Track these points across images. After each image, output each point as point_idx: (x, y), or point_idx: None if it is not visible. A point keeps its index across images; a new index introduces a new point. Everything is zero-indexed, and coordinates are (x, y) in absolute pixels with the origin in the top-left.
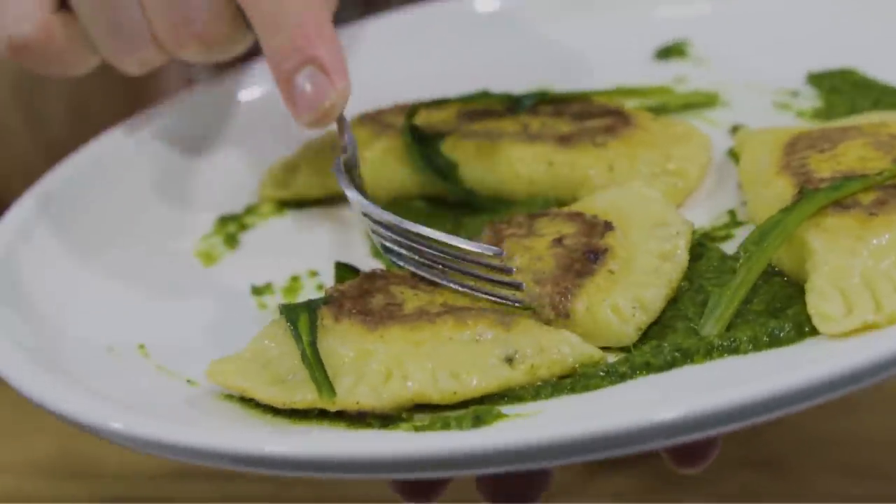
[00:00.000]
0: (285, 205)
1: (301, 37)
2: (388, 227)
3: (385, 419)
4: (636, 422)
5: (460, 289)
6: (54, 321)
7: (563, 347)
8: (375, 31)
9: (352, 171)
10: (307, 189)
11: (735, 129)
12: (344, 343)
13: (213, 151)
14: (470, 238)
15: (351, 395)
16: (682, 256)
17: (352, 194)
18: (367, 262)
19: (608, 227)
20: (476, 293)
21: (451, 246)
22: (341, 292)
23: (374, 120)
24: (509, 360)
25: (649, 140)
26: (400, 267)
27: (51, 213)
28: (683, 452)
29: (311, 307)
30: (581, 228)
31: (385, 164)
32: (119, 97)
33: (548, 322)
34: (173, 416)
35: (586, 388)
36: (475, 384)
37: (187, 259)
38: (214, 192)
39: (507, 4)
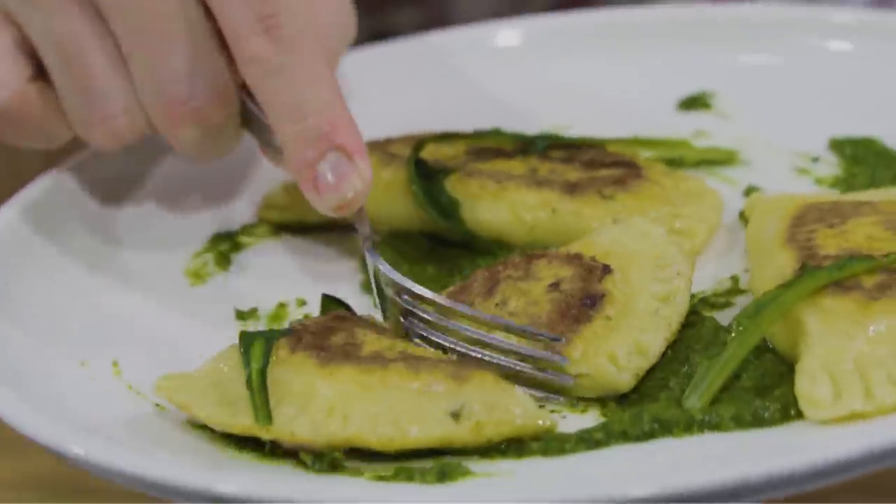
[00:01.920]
0: (282, 228)
1: (328, 123)
2: (426, 307)
3: (319, 457)
4: (607, 495)
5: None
6: (31, 329)
7: (514, 408)
8: (389, 56)
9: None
10: (305, 214)
11: (749, 192)
12: (294, 375)
13: (213, 170)
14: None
15: (289, 425)
16: (683, 299)
17: (394, 275)
18: (357, 296)
19: (606, 270)
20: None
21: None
22: (304, 326)
23: (381, 149)
24: (455, 415)
25: (659, 195)
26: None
27: (42, 221)
28: None
29: (268, 336)
30: (578, 272)
31: (388, 195)
32: None
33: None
34: (132, 441)
35: (559, 452)
36: (415, 434)
37: (176, 277)
38: (211, 211)
39: (529, 40)
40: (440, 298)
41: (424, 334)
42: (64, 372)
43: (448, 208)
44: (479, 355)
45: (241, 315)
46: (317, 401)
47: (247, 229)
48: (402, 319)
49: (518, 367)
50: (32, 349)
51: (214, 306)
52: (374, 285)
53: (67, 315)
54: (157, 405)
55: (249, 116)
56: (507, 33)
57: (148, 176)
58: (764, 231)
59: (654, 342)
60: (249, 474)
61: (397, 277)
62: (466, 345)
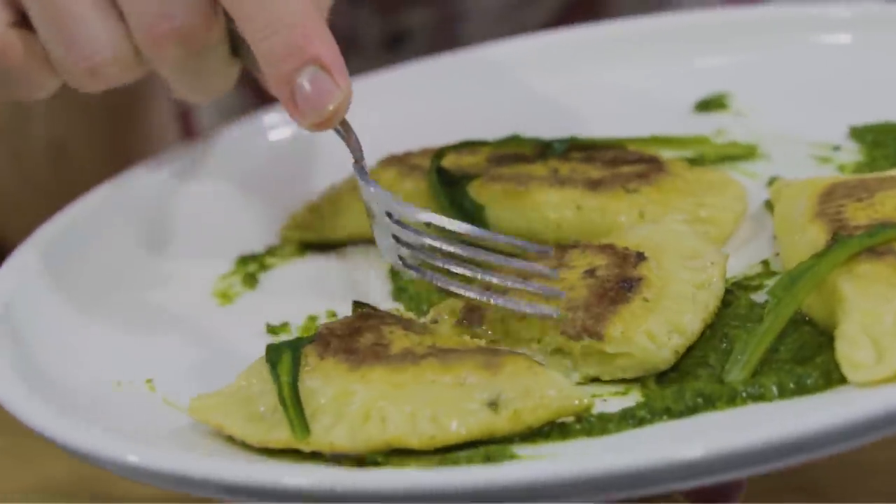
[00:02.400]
0: (307, 247)
1: (301, 36)
2: (416, 229)
3: (361, 463)
4: (660, 459)
5: (489, 299)
6: (66, 354)
7: (549, 391)
8: (406, 76)
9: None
10: (330, 231)
11: (772, 182)
12: (325, 382)
13: (236, 193)
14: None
15: (326, 435)
16: (718, 285)
17: (377, 191)
18: (388, 304)
19: (640, 257)
20: (506, 303)
21: (490, 242)
22: (330, 330)
23: (401, 161)
24: (493, 405)
25: (683, 187)
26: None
27: (69, 248)
28: (704, 497)
29: (295, 346)
30: (613, 260)
31: None
32: (100, 135)
33: (578, 339)
34: (178, 445)
35: (602, 432)
36: (454, 429)
37: (203, 298)
38: (235, 234)
39: (546, 50)
40: (432, 217)
41: (416, 261)
42: (101, 392)
43: (472, 214)
44: (470, 273)
45: (272, 329)
46: (352, 406)
47: (272, 250)
48: (394, 243)
49: (510, 284)
50: (70, 371)
51: (245, 323)
52: (367, 209)
53: (101, 341)
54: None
55: (239, 43)
56: (522, 47)
57: (170, 201)
58: (792, 211)
59: (692, 322)
60: (316, 469)
61: (388, 197)
62: (456, 264)
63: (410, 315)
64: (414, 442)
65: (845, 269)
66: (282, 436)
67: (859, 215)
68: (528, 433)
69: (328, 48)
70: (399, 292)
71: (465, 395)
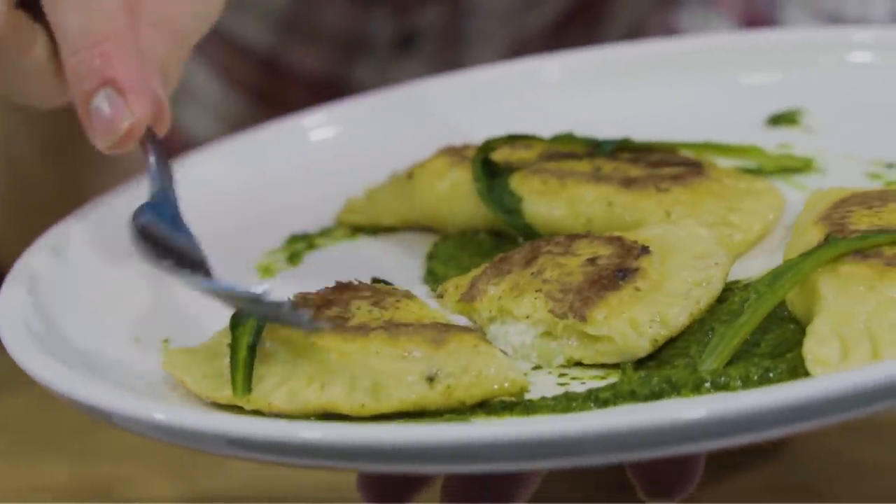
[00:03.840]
0: (360, 231)
1: (99, 56)
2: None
3: None
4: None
5: None
6: (93, 305)
7: (487, 369)
8: (466, 84)
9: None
10: (383, 215)
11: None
12: (281, 346)
13: (296, 176)
14: None
15: (267, 396)
16: (716, 285)
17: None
18: (418, 287)
19: (644, 251)
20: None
21: None
22: (303, 299)
23: (455, 152)
24: (430, 379)
25: (718, 191)
26: None
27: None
28: (655, 480)
29: None
30: (617, 251)
31: (454, 194)
32: (41, 134)
33: (562, 318)
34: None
35: (566, 410)
36: (385, 399)
37: (246, 271)
38: (293, 215)
39: (618, 64)
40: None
41: None
42: (117, 344)
43: (509, 204)
44: None
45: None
46: (298, 370)
47: (325, 232)
48: None
49: None
50: (91, 321)
51: (276, 297)
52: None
53: (135, 299)
54: None
55: None
56: (593, 58)
57: (230, 178)
58: (807, 216)
59: (678, 315)
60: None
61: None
62: None
63: (408, 291)
64: (345, 408)
65: (829, 268)
66: (228, 393)
67: (862, 221)
68: (494, 407)
69: (126, 70)
70: (429, 275)
71: (406, 368)
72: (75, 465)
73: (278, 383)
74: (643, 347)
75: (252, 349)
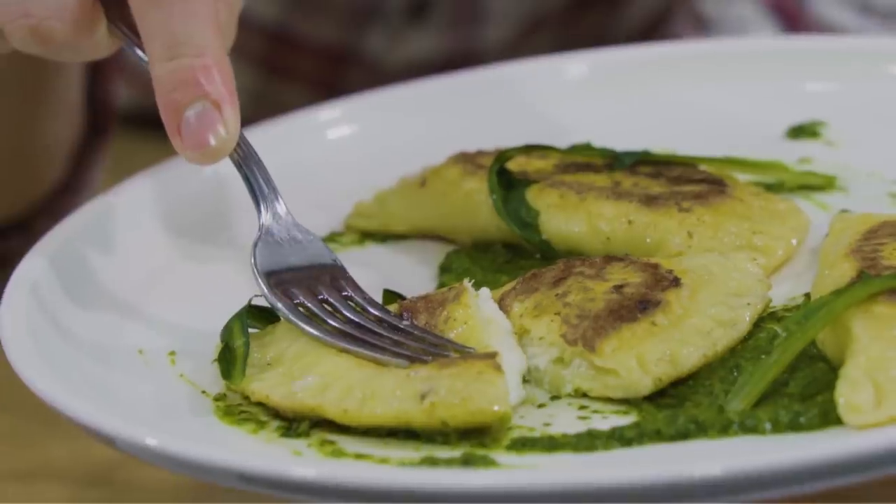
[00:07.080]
0: (368, 236)
1: (200, 68)
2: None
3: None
4: (612, 480)
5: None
6: (97, 315)
7: (477, 395)
8: (479, 82)
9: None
10: (392, 222)
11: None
12: (291, 342)
13: (305, 180)
14: None
15: (267, 388)
16: (741, 328)
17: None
18: None
19: (675, 282)
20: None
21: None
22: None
23: (468, 160)
24: (422, 397)
25: (741, 212)
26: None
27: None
28: None
29: None
30: (647, 280)
31: (468, 205)
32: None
33: (573, 345)
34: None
35: (589, 449)
36: (369, 410)
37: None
38: (302, 220)
39: (636, 66)
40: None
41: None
42: (122, 357)
43: (526, 218)
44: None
45: None
46: (303, 370)
47: (333, 236)
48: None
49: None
50: (96, 331)
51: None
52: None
53: (141, 309)
54: (203, 392)
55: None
56: (613, 58)
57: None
58: (836, 245)
59: (690, 356)
60: (325, 462)
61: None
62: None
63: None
64: (331, 413)
65: (862, 308)
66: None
67: (895, 256)
68: (515, 443)
69: (224, 84)
70: (442, 272)
71: (405, 383)
72: (77, 448)
73: (281, 379)
74: (646, 386)
75: (246, 343)
